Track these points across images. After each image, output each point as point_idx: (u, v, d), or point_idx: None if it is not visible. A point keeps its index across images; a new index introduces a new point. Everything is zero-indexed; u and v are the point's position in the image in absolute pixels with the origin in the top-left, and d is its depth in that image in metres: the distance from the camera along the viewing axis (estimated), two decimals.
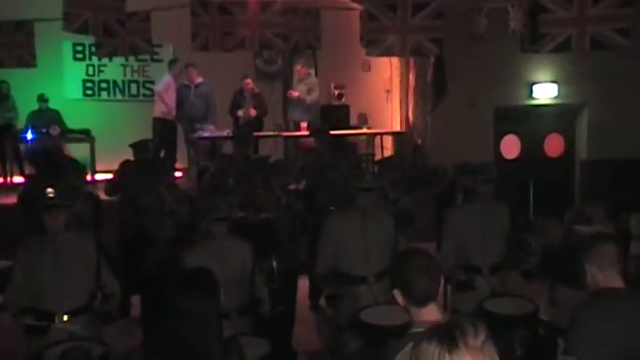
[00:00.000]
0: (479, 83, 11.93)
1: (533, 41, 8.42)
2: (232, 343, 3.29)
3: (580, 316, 3.54)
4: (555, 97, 12.73)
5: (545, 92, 12.66)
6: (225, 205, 5.12)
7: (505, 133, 12.87)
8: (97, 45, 9.69)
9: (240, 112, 12.09)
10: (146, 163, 8.28)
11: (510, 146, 12.91)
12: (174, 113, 12.16)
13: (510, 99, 12.62)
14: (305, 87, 12.15)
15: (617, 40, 8.08)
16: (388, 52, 9.03)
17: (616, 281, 3.60)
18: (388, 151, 12.67)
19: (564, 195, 12.42)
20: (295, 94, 12.10)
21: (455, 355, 1.92)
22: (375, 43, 8.73)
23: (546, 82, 12.60)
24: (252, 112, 12.06)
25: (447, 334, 1.97)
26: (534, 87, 12.62)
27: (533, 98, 12.71)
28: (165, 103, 12.08)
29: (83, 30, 7.70)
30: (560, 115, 13.04)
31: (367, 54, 9.03)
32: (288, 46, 9.35)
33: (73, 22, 7.63)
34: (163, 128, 12.05)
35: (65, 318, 4.89)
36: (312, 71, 12.77)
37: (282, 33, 9.04)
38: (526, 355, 5.12)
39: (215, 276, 2.97)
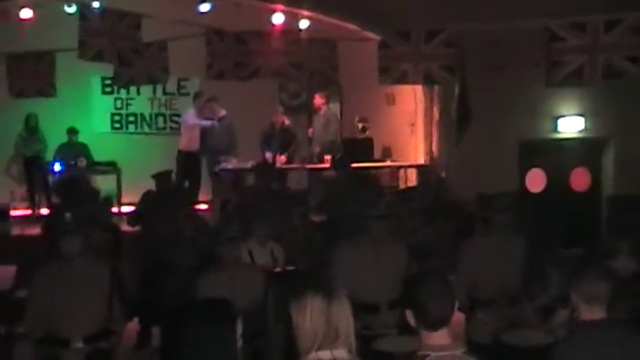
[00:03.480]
0: (503, 117, 11.88)
1: (548, 71, 8.40)
2: None
3: (558, 356, 3.53)
4: (581, 131, 12.64)
5: (570, 125, 12.57)
6: (237, 228, 5.15)
7: (530, 167, 12.77)
8: (115, 75, 9.85)
9: (269, 155, 12.13)
10: (167, 193, 8.35)
11: (535, 180, 12.80)
12: (197, 146, 12.28)
13: (535, 132, 12.55)
14: (323, 119, 12.23)
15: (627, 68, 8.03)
16: (401, 80, 9.07)
17: (599, 315, 3.56)
18: (412, 184, 12.63)
19: (591, 230, 12.26)
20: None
21: None
22: (388, 71, 8.77)
23: (572, 115, 12.52)
24: (282, 159, 12.11)
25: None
26: (559, 120, 12.55)
27: (559, 132, 12.63)
28: (189, 136, 12.22)
29: (98, 58, 7.87)
30: (586, 149, 12.92)
31: (380, 82, 9.06)
32: (303, 75, 9.42)
33: (88, 51, 7.81)
34: (187, 160, 12.17)
35: (79, 343, 4.94)
36: (336, 105, 12.86)
37: (297, 62, 9.12)
38: None
39: (231, 305, 2.95)
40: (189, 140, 12.30)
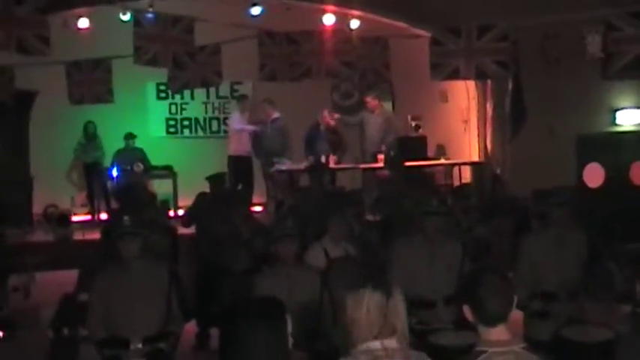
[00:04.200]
0: (559, 111, 11.70)
1: (604, 63, 8.21)
2: None
3: (623, 351, 3.48)
4: None
5: (629, 118, 12.31)
6: (292, 226, 5.18)
7: (588, 162, 12.52)
8: (169, 79, 10.01)
9: (322, 158, 12.09)
10: (222, 195, 8.42)
11: (594, 175, 12.52)
12: (248, 149, 12.36)
13: (593, 126, 12.33)
14: (381, 119, 12.19)
15: None
16: (453, 76, 9.00)
17: None
18: (466, 182, 12.52)
19: None
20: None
21: None
22: (439, 67, 8.72)
23: (630, 107, 12.25)
24: (332, 161, 12.05)
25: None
26: (617, 113, 12.29)
27: (617, 125, 12.37)
28: (237, 140, 12.31)
29: (153, 63, 8.00)
30: None
31: (432, 78, 9.01)
32: (356, 75, 9.43)
33: (142, 56, 7.95)
34: (237, 164, 12.27)
35: (139, 344, 5.02)
36: (389, 104, 12.80)
37: (349, 62, 9.14)
38: None
39: (282, 304, 2.98)
40: (237, 144, 12.40)
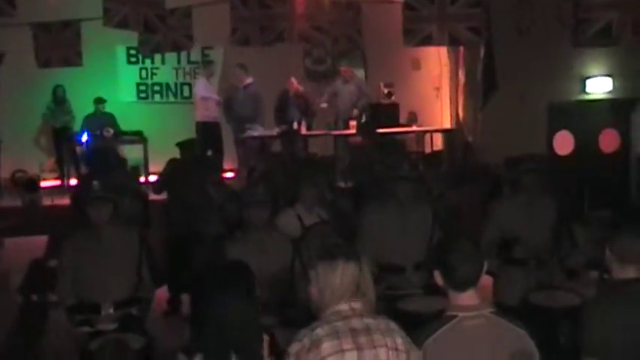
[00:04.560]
0: (530, 79, 11.72)
1: (574, 30, 8.20)
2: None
3: (588, 315, 3.52)
4: (610, 92, 12.45)
5: (599, 86, 12.38)
6: (263, 192, 5.17)
7: (558, 129, 12.62)
8: (140, 43, 9.89)
9: (295, 125, 12.04)
10: (193, 161, 8.38)
11: (564, 142, 12.64)
12: (215, 114, 12.29)
13: (563, 94, 12.36)
14: (354, 87, 12.17)
15: None
16: (426, 42, 8.94)
17: (633, 274, 3.54)
18: (438, 149, 12.59)
19: (620, 191, 12.13)
20: (323, 105, 12.16)
21: None
22: (412, 33, 8.64)
23: (600, 75, 12.32)
24: (304, 127, 12.03)
25: None
26: (588, 81, 12.36)
27: (587, 93, 12.44)
28: (204, 107, 12.23)
29: (123, 25, 7.87)
30: (615, 110, 12.72)
31: (405, 44, 8.92)
32: (328, 40, 9.36)
33: (112, 17, 7.81)
34: (206, 131, 12.16)
35: (110, 309, 5.01)
36: (361, 71, 12.77)
37: (321, 27, 9.06)
38: (570, 349, 5.02)
39: (249, 268, 3.01)
40: (204, 110, 12.28)
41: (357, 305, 2.92)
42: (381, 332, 2.89)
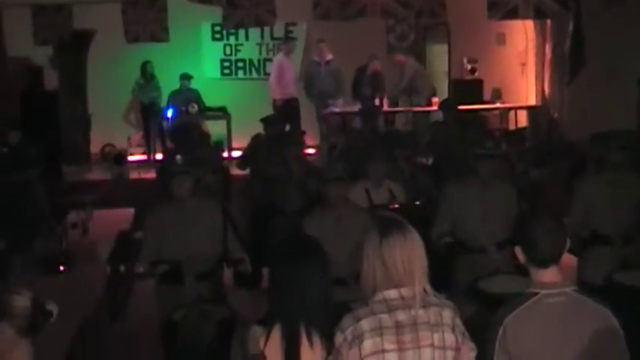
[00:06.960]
0: (620, 53, 11.33)
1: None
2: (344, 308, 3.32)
3: None
4: None
5: None
6: (343, 168, 5.18)
7: None
8: (223, 18, 10.01)
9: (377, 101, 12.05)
10: (276, 136, 8.45)
11: None
12: (291, 90, 12.32)
13: None
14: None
15: None
16: (511, 15, 8.73)
17: None
18: (522, 126, 12.33)
19: None
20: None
21: None
22: (496, 6, 8.48)
23: None
24: (385, 103, 11.99)
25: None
26: None
27: None
28: (281, 84, 12.28)
29: (207, 0, 7.95)
30: None
31: (489, 17, 8.77)
32: (410, 14, 9.21)
33: None
34: (284, 107, 12.20)
35: (194, 281, 5.11)
36: (444, 46, 12.63)
37: (404, 1, 8.92)
38: None
39: (319, 243, 3.03)
40: (281, 87, 12.34)
41: (407, 293, 2.81)
42: (429, 327, 2.80)
